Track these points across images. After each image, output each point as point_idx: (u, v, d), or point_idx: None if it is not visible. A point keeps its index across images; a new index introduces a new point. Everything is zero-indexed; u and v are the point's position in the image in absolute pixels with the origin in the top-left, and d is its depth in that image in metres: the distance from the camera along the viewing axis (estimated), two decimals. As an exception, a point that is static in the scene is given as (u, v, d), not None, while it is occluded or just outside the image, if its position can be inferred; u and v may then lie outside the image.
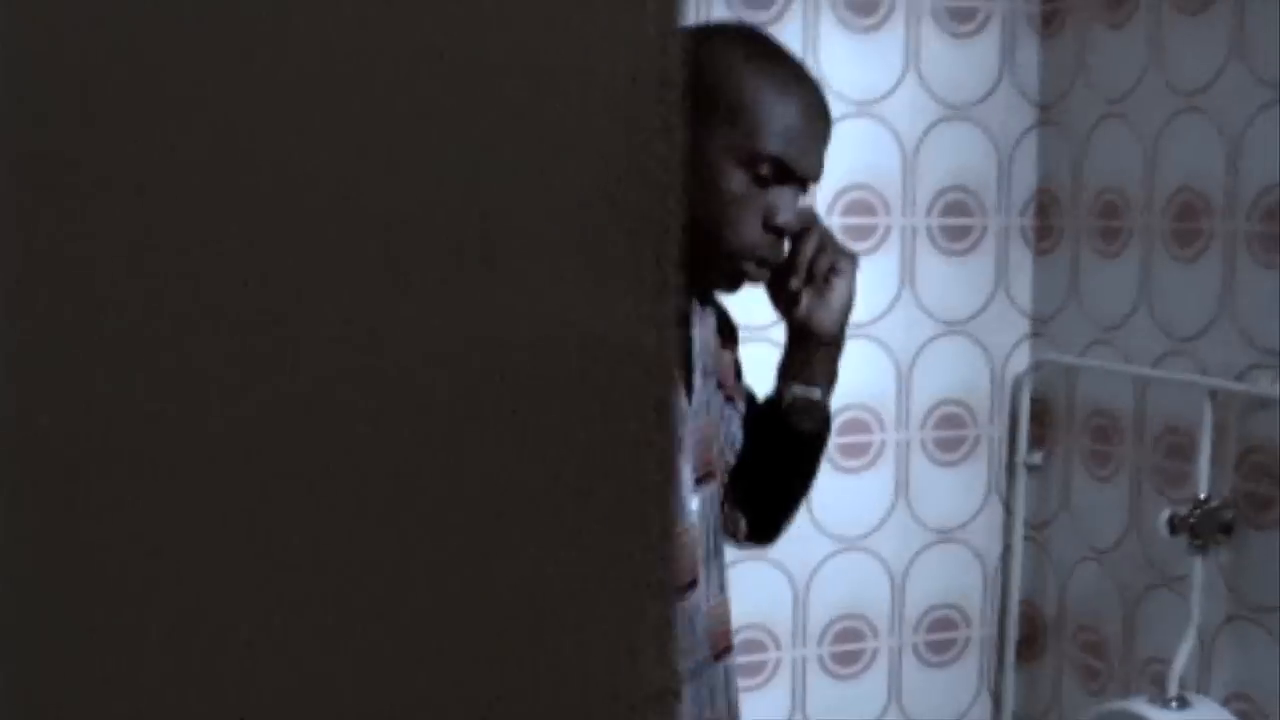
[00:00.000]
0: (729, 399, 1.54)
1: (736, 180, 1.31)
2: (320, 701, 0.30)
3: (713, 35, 1.37)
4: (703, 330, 1.45)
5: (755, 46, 1.35)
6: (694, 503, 1.37)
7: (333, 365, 0.28)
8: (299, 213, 0.28)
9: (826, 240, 1.44)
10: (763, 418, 1.54)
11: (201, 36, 0.28)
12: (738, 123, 1.30)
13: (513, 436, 0.29)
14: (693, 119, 1.26)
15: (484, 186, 0.28)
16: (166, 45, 0.28)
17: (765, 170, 1.31)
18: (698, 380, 1.41)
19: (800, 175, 1.34)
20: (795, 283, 1.42)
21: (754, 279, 1.39)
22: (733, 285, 1.40)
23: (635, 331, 0.29)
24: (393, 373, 0.28)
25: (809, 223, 1.42)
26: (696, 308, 1.43)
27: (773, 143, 1.31)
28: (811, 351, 1.49)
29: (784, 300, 1.46)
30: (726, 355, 1.54)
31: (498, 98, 0.28)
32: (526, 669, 0.31)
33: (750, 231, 1.34)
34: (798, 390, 1.49)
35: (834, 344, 1.51)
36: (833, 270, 1.43)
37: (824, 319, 1.46)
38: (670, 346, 0.29)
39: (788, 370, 1.51)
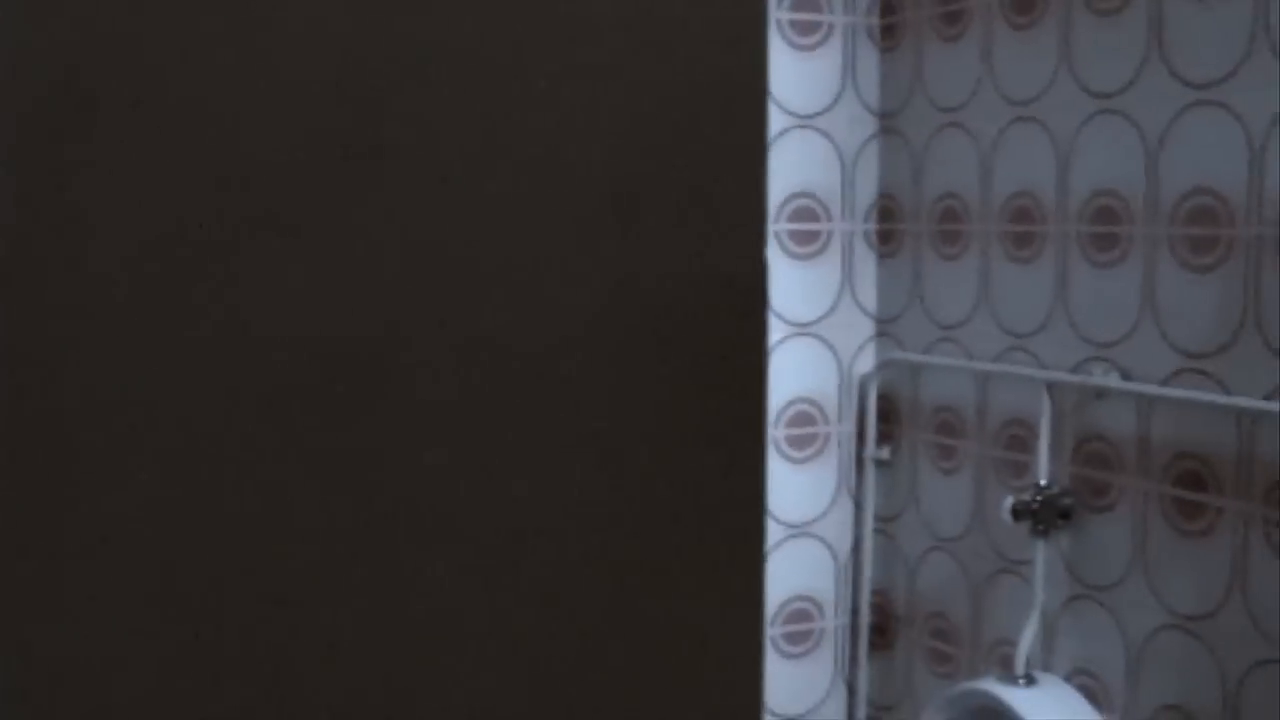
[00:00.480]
0: None
1: None
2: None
3: None
4: None
5: None
6: None
7: (506, 311, 0.33)
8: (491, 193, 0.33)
9: None
10: None
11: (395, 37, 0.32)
12: None
13: (648, 360, 0.34)
14: None
15: (619, 159, 0.33)
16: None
17: None
18: None
19: None
20: None
21: None
22: None
23: (744, 267, 0.34)
24: (554, 314, 0.33)
25: None
26: None
27: None
28: None
29: None
30: None
31: (625, 86, 0.33)
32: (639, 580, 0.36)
33: None
34: None
35: None
36: None
37: None
38: (767, 278, 0.35)
39: None
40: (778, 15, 2.84)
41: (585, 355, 0.34)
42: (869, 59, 2.95)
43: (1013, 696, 2.46)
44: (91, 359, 0.33)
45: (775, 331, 2.92)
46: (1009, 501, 2.50)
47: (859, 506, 3.04)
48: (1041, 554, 2.54)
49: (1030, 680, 2.50)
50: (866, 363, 3.01)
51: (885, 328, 2.99)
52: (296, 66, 0.32)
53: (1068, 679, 2.52)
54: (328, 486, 0.33)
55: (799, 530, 2.99)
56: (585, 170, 0.33)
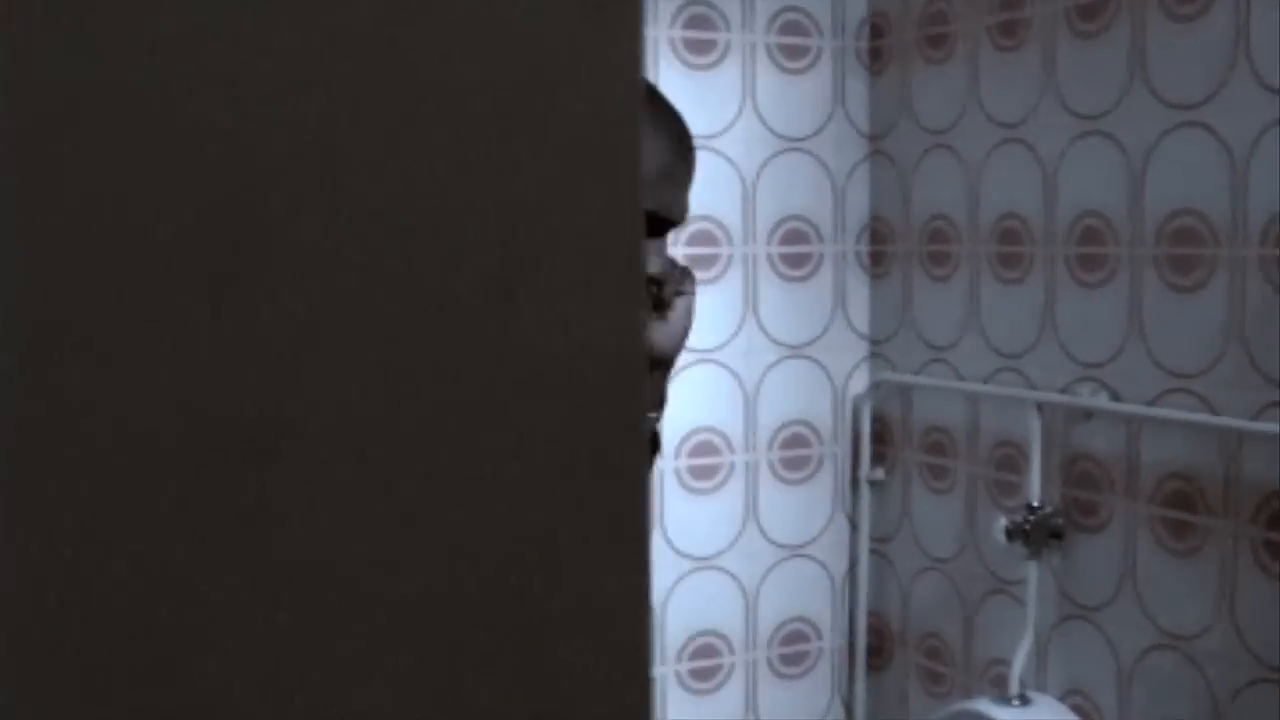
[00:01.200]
0: None
1: None
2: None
3: None
4: None
5: None
6: None
7: (375, 390, 0.34)
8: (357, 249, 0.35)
9: (671, 265, 1.42)
10: None
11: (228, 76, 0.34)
12: None
13: (523, 437, 0.35)
14: None
15: (497, 227, 0.34)
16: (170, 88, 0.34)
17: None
18: None
19: (672, 221, 1.33)
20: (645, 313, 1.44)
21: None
22: None
23: (619, 337, 0.36)
24: (425, 392, 0.34)
25: (660, 252, 1.42)
26: None
27: (653, 198, 1.25)
28: (649, 375, 1.52)
29: None
30: None
31: (493, 145, 0.35)
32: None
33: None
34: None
35: (669, 366, 1.50)
36: (677, 293, 1.42)
37: (665, 342, 1.44)
38: (640, 348, 0.36)
39: None
40: (767, 40, 2.86)
41: (467, 429, 0.36)
42: (858, 82, 2.97)
43: (1007, 716, 2.47)
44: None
45: (767, 354, 2.93)
46: (1002, 522, 2.51)
47: (854, 527, 3.05)
48: (1034, 574, 2.55)
49: (1024, 700, 2.50)
50: (860, 384, 3.03)
51: (877, 349, 3.01)
52: (178, 158, 0.33)
53: (1061, 699, 2.52)
54: (216, 552, 0.35)
55: (794, 552, 3.00)
56: (465, 253, 0.35)
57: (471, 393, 0.34)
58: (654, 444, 1.62)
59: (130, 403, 0.33)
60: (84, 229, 0.33)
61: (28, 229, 0.33)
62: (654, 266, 1.36)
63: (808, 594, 3.03)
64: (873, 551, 3.05)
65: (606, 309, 0.33)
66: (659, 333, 1.52)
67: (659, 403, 1.59)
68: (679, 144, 1.35)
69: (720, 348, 2.88)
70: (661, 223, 1.34)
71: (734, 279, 2.89)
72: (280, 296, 0.32)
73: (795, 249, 2.95)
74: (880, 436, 3.01)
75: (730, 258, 2.88)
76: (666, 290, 1.48)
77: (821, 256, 2.98)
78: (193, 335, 0.32)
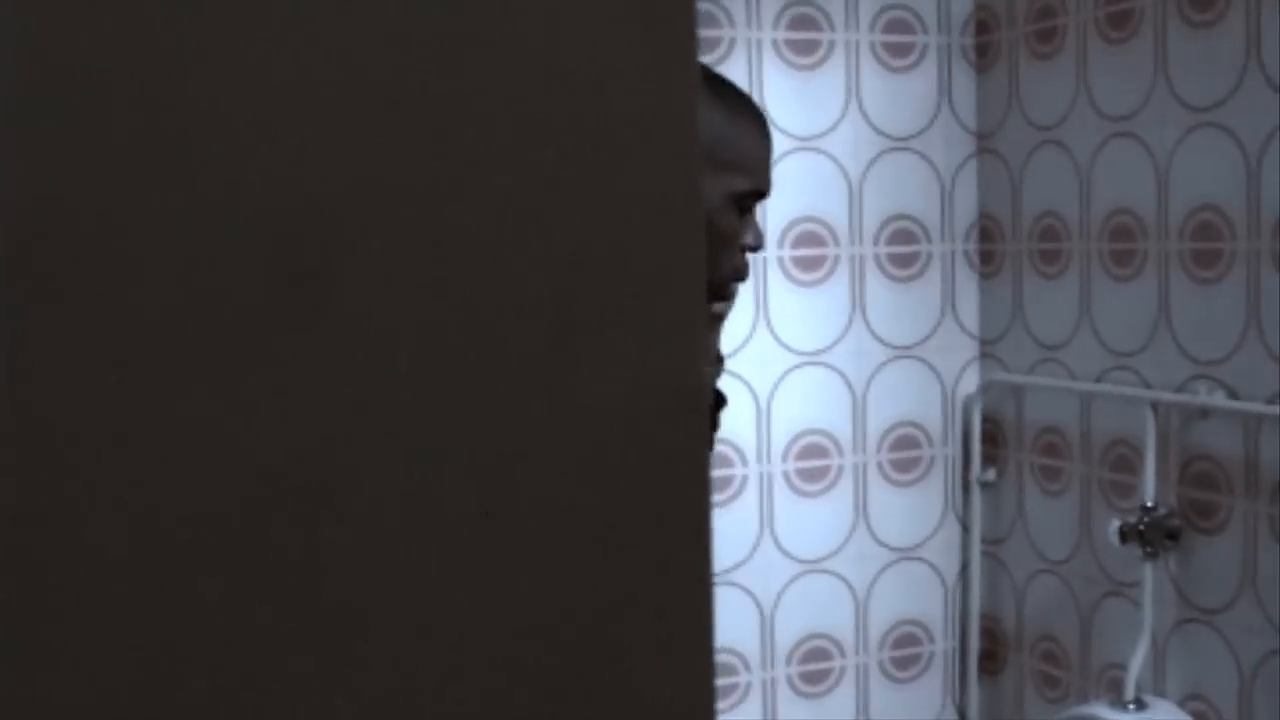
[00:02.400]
0: None
1: (729, 219, 1.39)
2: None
3: None
4: None
5: (710, 87, 1.42)
6: None
7: (452, 434, 0.35)
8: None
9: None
10: None
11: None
12: (729, 168, 1.38)
13: (592, 473, 0.36)
14: None
15: (557, 281, 0.35)
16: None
17: (749, 201, 1.40)
18: None
19: (766, 195, 1.44)
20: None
21: (732, 297, 1.48)
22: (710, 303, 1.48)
23: (687, 375, 0.36)
24: (499, 434, 0.35)
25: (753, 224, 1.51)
26: None
27: (757, 179, 1.39)
28: (709, 334, 1.58)
29: None
30: None
31: (561, 212, 0.35)
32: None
33: (738, 259, 1.43)
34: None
35: (721, 319, 1.60)
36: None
37: (725, 303, 1.55)
38: (705, 382, 0.37)
39: None
40: (871, 38, 2.84)
41: (528, 469, 0.36)
42: (965, 79, 2.94)
43: (1123, 722, 2.42)
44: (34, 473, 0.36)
45: (875, 355, 2.91)
46: (1116, 523, 2.47)
47: (966, 529, 3.02)
48: (1150, 576, 2.50)
49: (1141, 705, 2.45)
50: (970, 384, 2.99)
51: (988, 349, 2.97)
52: (244, 201, 0.34)
53: (1181, 704, 2.47)
54: (271, 593, 0.36)
55: (906, 554, 2.97)
56: (526, 294, 0.35)
57: (526, 443, 0.34)
58: (718, 400, 1.63)
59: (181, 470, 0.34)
60: (129, 283, 0.34)
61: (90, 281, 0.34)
62: (759, 235, 1.44)
63: (919, 597, 3.00)
64: (985, 554, 3.01)
65: (670, 353, 0.33)
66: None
67: (720, 358, 1.62)
68: (765, 126, 1.43)
69: (828, 349, 2.86)
70: (761, 197, 1.43)
71: (841, 280, 2.87)
72: (337, 341, 0.33)
73: (903, 249, 2.92)
74: (991, 437, 2.97)
75: (837, 259, 2.86)
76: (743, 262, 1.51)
77: (930, 256, 2.95)
78: (241, 388, 0.33)
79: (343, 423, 0.33)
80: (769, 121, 1.46)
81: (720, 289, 1.44)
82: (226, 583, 0.34)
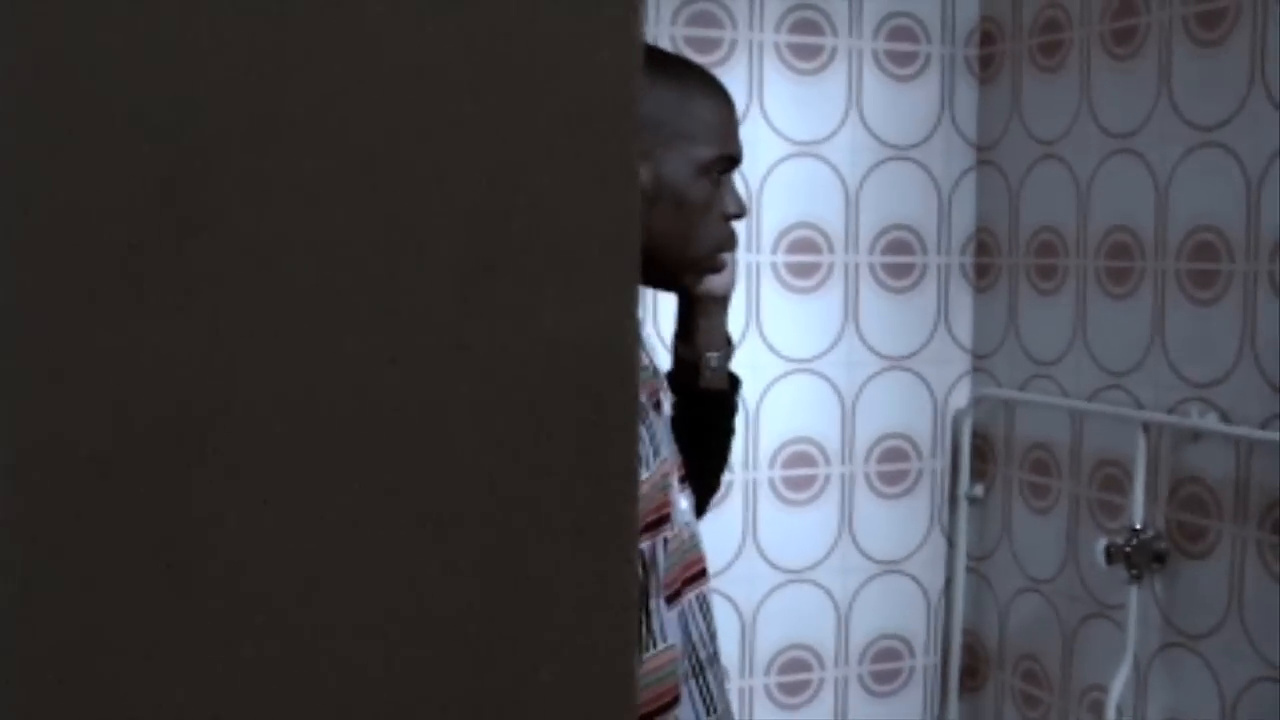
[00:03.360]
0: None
1: (700, 189, 1.36)
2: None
3: None
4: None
5: (652, 59, 1.38)
6: (683, 502, 1.39)
7: (357, 369, 0.32)
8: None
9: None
10: (680, 393, 1.58)
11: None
12: (688, 139, 1.35)
13: (507, 430, 0.33)
14: (653, 147, 1.32)
15: (478, 217, 0.32)
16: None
17: (719, 169, 1.37)
18: (665, 384, 1.45)
19: (738, 160, 1.41)
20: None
21: (721, 268, 1.44)
22: (699, 280, 1.45)
23: (613, 335, 0.33)
24: (408, 374, 0.32)
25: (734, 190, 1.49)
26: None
27: (725, 144, 1.37)
28: (715, 316, 1.56)
29: (687, 274, 1.46)
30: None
31: (483, 146, 0.32)
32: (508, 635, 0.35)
33: (718, 228, 1.39)
34: (712, 356, 1.57)
35: (727, 303, 1.59)
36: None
37: (725, 281, 1.54)
38: (637, 347, 0.34)
39: (693, 339, 1.57)
40: (874, 45, 2.82)
41: (427, 423, 0.33)
42: (967, 90, 2.91)
43: (1102, 745, 2.39)
44: None
45: (867, 365, 2.88)
46: (1102, 543, 2.44)
47: (952, 544, 2.99)
48: (1135, 599, 2.47)
49: (1121, 729, 2.42)
50: (961, 398, 2.96)
51: (980, 363, 2.94)
52: (128, 136, 0.31)
53: (1160, 729, 2.44)
54: (150, 549, 0.33)
55: (890, 567, 2.94)
56: (433, 238, 0.32)
57: (428, 394, 0.32)
58: (733, 381, 1.61)
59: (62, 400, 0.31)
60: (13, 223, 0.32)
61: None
62: (738, 201, 1.41)
63: (902, 611, 2.97)
64: (970, 570, 2.98)
65: (597, 315, 0.31)
66: (720, 277, 1.53)
67: (729, 341, 1.60)
68: (721, 91, 1.40)
69: (819, 357, 2.84)
70: (733, 162, 1.40)
71: (835, 288, 2.84)
72: (223, 279, 0.31)
73: (898, 259, 2.89)
74: (981, 452, 2.94)
75: (831, 266, 2.83)
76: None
77: (925, 267, 2.92)
78: (121, 328, 0.30)
79: (222, 365, 0.30)
80: (726, 88, 1.42)
81: (707, 262, 1.41)
82: (91, 527, 0.31)
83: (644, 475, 1.25)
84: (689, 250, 1.38)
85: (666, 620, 1.29)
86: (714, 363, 1.58)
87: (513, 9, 0.34)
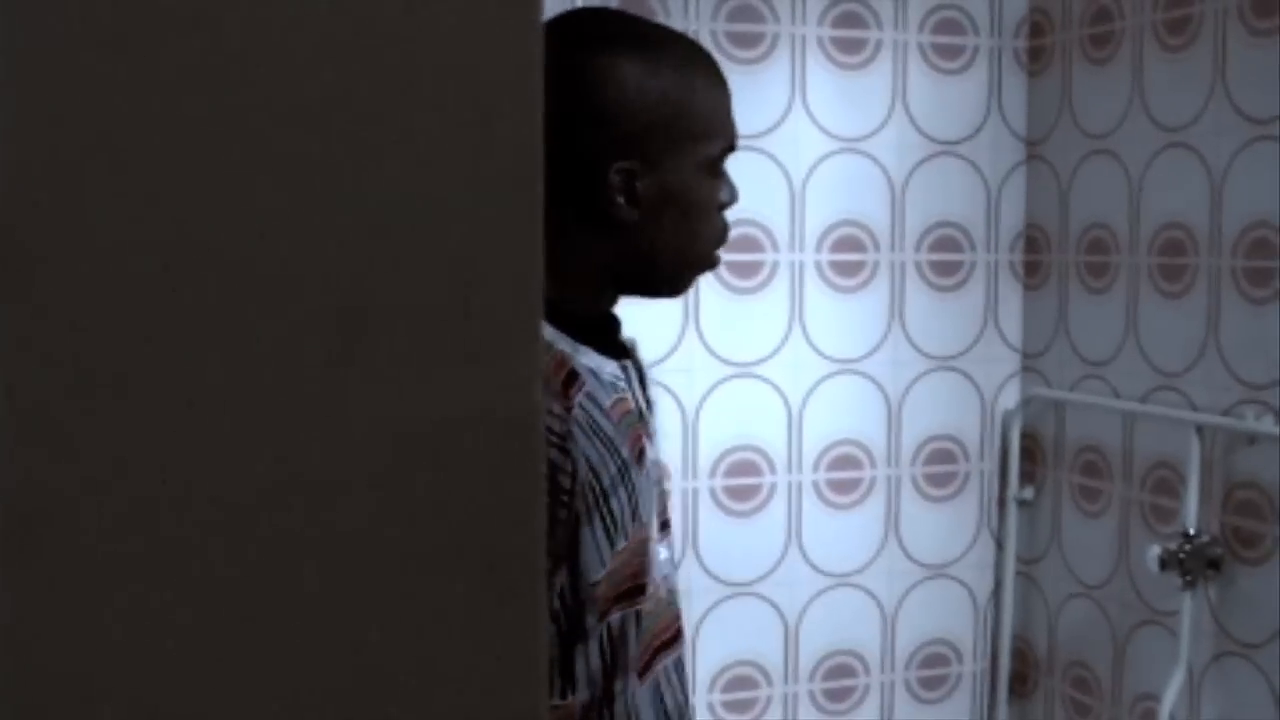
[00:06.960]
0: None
1: (706, 188, 1.30)
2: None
3: (607, 65, 1.29)
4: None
5: (648, 55, 1.27)
6: (662, 553, 1.35)
7: (218, 460, 0.29)
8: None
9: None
10: None
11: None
12: (695, 138, 1.28)
13: (396, 507, 0.29)
14: (658, 154, 1.26)
15: (349, 281, 0.28)
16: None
17: (719, 163, 1.31)
18: (654, 426, 1.40)
19: (735, 148, 1.35)
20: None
21: (717, 264, 1.39)
22: (698, 276, 1.41)
23: (512, 405, 0.29)
24: (286, 460, 0.28)
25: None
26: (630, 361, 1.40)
27: (727, 133, 1.31)
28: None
29: (688, 275, 1.40)
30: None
31: (368, 191, 0.29)
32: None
33: (718, 221, 1.33)
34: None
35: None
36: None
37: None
38: (539, 414, 0.30)
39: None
40: (920, 39, 2.76)
41: (296, 488, 0.30)
42: (1016, 83, 2.84)
43: (1155, 756, 2.33)
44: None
45: (913, 365, 2.83)
46: (1155, 550, 2.37)
47: (1001, 548, 2.92)
48: (1188, 606, 2.40)
49: (1174, 740, 2.36)
50: (1010, 399, 2.90)
51: (1030, 363, 2.88)
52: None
53: (1215, 740, 2.37)
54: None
55: (937, 571, 2.89)
56: (305, 302, 0.29)
57: (299, 460, 0.28)
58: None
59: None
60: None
61: None
62: (733, 191, 1.35)
63: (950, 615, 2.91)
64: (1019, 574, 2.92)
65: (489, 380, 0.27)
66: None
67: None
68: (717, 73, 1.32)
69: (864, 358, 2.78)
70: (731, 150, 1.34)
71: (880, 287, 2.79)
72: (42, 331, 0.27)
73: (945, 257, 2.83)
74: (1030, 454, 2.88)
75: (876, 264, 2.78)
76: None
77: (973, 265, 2.86)
78: None
79: (70, 444, 0.27)
80: (717, 64, 1.34)
81: (709, 260, 1.35)
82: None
83: (620, 545, 1.21)
84: (693, 251, 1.31)
85: (639, 696, 1.24)
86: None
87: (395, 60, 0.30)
